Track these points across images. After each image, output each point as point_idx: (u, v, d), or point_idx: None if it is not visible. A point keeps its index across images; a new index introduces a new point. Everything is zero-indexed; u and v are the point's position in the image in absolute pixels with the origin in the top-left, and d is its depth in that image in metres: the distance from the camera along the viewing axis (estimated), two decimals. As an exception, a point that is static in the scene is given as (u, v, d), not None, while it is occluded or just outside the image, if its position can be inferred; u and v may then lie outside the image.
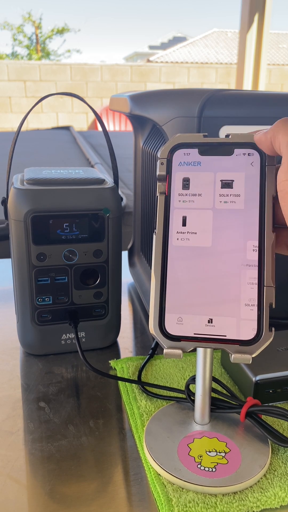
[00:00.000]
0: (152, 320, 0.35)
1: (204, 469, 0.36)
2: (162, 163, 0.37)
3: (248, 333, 0.34)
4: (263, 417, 0.42)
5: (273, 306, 0.34)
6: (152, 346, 0.54)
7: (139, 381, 0.48)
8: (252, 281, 0.35)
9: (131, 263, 0.76)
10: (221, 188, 0.36)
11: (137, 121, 0.68)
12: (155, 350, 0.54)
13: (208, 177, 0.37)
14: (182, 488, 0.35)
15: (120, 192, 0.86)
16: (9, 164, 0.55)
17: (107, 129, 0.57)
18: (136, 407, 0.44)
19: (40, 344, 0.53)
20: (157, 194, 0.37)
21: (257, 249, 0.35)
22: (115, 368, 0.52)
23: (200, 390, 0.39)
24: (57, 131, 3.78)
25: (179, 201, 0.37)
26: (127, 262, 0.77)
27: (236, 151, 0.36)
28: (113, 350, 0.57)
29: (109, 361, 0.53)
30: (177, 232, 0.36)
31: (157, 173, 0.37)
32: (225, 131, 0.49)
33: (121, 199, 0.53)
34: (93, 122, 5.99)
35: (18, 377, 0.50)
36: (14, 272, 0.52)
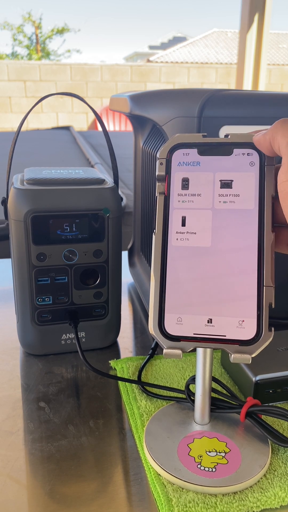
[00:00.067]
0: (152, 320, 0.36)
1: (204, 469, 0.36)
2: (161, 163, 0.37)
3: (248, 333, 0.34)
4: (263, 417, 0.42)
5: (273, 306, 0.34)
6: (152, 346, 0.54)
7: (139, 381, 0.48)
8: (251, 281, 0.35)
9: (131, 263, 0.76)
10: (221, 188, 0.36)
11: (137, 121, 0.68)
12: (155, 350, 0.54)
13: (208, 177, 0.37)
14: (182, 488, 0.35)
15: (120, 192, 0.86)
16: (9, 164, 0.55)
17: (107, 129, 0.57)
18: (136, 407, 0.44)
19: (40, 344, 0.53)
20: (157, 194, 0.37)
21: (257, 249, 0.35)
22: (115, 368, 0.52)
23: (200, 390, 0.39)
24: (57, 131, 3.79)
25: (179, 201, 0.37)
26: (127, 262, 0.77)
27: (236, 151, 0.36)
28: (113, 350, 0.57)
29: (109, 361, 0.53)
30: (177, 232, 0.36)
31: (157, 173, 0.37)
32: (225, 131, 0.49)
33: (121, 199, 0.53)
34: (93, 122, 5.99)
35: (18, 377, 0.50)
36: (14, 272, 0.52)
